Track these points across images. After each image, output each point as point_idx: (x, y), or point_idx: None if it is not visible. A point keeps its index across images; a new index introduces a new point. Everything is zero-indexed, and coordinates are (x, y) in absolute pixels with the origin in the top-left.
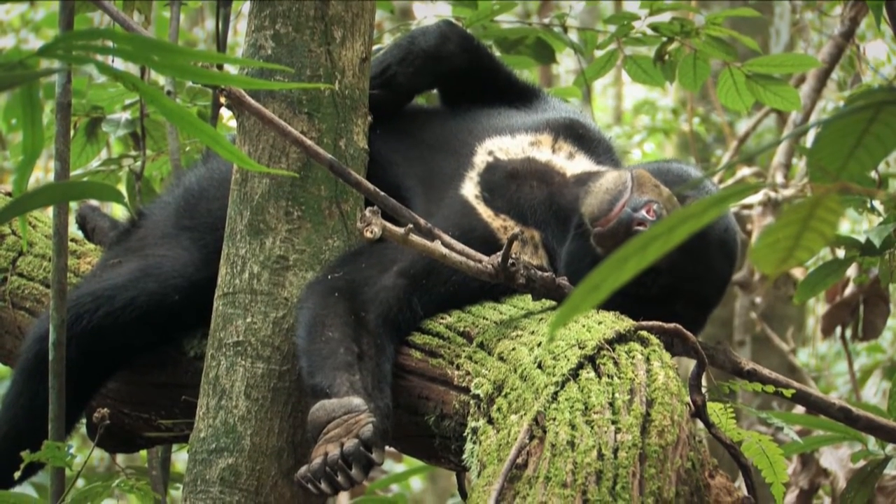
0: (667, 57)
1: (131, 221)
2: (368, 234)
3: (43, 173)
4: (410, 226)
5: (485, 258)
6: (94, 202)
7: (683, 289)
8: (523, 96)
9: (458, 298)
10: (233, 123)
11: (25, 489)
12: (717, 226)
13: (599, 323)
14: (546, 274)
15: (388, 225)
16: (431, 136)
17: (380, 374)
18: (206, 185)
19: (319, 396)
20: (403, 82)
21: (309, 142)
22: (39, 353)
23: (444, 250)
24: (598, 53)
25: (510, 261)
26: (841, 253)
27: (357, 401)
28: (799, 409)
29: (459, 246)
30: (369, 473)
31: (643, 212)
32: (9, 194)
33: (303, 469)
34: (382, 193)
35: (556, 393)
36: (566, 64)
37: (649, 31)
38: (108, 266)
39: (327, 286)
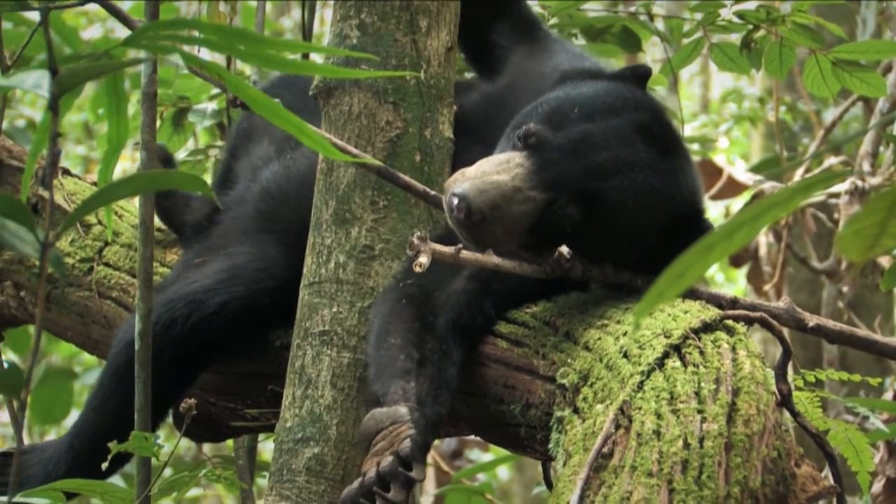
0: (753, 44)
1: (207, 217)
2: (417, 269)
3: (130, 163)
4: (460, 245)
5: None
6: None
7: None
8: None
9: (527, 292)
10: None
11: (114, 479)
12: None
13: (685, 312)
14: (604, 266)
15: (438, 247)
16: (490, 113)
17: (440, 380)
18: (286, 186)
19: (372, 405)
20: None
21: (355, 150)
22: (131, 357)
23: (497, 259)
24: (685, 41)
25: (564, 258)
26: None
27: (402, 410)
28: (887, 397)
29: (511, 252)
30: (411, 490)
31: None
32: (94, 184)
33: (345, 491)
34: (433, 193)
35: (641, 382)
36: (652, 52)
37: (735, 19)
38: (192, 266)
39: (398, 293)
